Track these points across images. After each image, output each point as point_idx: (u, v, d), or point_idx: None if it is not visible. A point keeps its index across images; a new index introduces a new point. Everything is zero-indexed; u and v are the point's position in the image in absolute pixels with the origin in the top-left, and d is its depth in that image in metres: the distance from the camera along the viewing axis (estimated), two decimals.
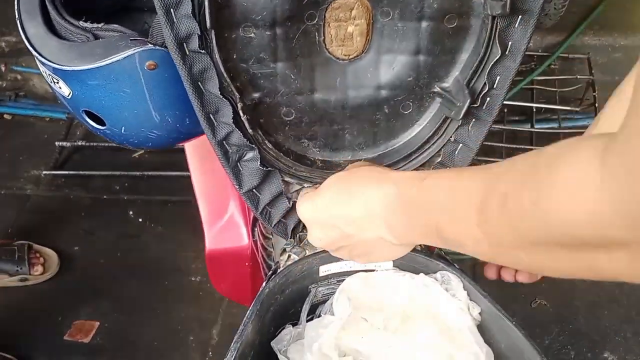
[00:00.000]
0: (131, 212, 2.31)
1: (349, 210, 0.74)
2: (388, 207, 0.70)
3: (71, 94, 0.91)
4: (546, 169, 0.48)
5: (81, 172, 2.41)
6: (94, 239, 2.22)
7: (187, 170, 1.33)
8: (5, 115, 2.66)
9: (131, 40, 0.87)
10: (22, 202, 2.33)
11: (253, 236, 1.33)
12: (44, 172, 2.42)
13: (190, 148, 1.29)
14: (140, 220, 2.29)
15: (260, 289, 0.91)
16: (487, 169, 0.59)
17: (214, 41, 0.79)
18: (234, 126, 0.84)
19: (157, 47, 0.85)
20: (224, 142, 0.86)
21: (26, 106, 2.67)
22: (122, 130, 0.94)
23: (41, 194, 2.38)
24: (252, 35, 0.82)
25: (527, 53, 0.86)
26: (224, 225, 1.38)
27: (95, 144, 2.43)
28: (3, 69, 2.69)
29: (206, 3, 0.74)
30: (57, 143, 2.48)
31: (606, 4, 2.34)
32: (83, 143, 2.46)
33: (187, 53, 0.78)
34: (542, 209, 0.47)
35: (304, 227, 0.99)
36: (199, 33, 0.77)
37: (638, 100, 0.38)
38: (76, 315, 1.99)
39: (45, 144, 2.53)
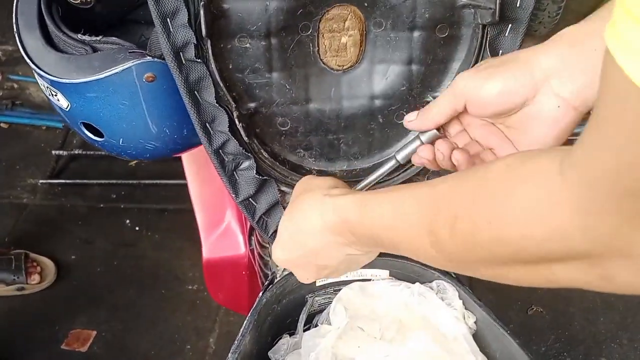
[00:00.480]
0: (128, 221, 2.31)
1: (310, 246, 0.73)
2: (340, 234, 0.69)
3: (69, 107, 0.91)
4: (498, 186, 0.47)
5: (78, 181, 2.42)
6: (90, 248, 2.22)
7: (184, 178, 1.34)
8: (1, 124, 2.67)
9: (129, 52, 0.88)
10: (19, 211, 2.33)
11: (250, 245, 1.33)
12: (41, 181, 2.43)
13: (187, 157, 1.30)
14: (136, 228, 2.29)
15: (258, 299, 0.92)
16: (430, 189, 0.57)
17: (210, 51, 0.80)
18: (230, 135, 0.85)
19: (155, 59, 0.86)
20: (220, 150, 0.87)
21: (23, 115, 2.68)
22: (120, 142, 0.94)
23: (38, 202, 2.38)
24: (248, 45, 0.82)
25: None
26: (221, 233, 1.39)
27: (91, 152, 2.44)
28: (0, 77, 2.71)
29: (202, 13, 0.75)
30: (53, 152, 2.48)
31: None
32: (80, 152, 2.47)
33: (184, 62, 0.79)
34: (496, 228, 0.47)
35: None
36: (195, 42, 0.78)
37: (598, 114, 0.38)
38: (73, 324, 1.99)
39: (42, 152, 2.54)
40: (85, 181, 2.41)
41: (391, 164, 0.82)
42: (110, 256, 2.20)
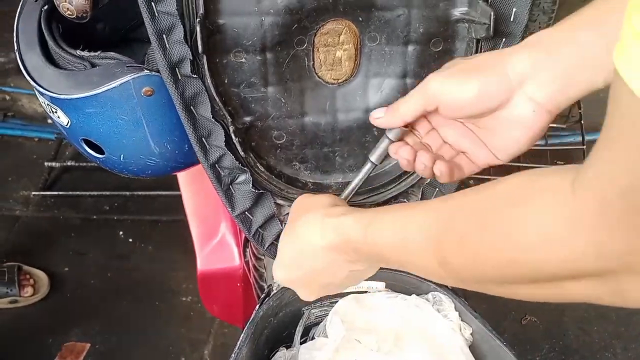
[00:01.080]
0: (121, 233, 2.31)
1: (312, 265, 0.73)
2: (343, 252, 0.69)
3: (70, 123, 0.92)
4: (509, 209, 0.47)
5: (71, 193, 2.41)
6: (84, 260, 2.22)
7: (177, 189, 1.34)
8: None
9: (127, 67, 0.88)
10: (12, 223, 2.33)
11: (245, 257, 1.34)
12: (33, 193, 2.42)
13: (182, 172, 1.30)
14: (130, 240, 2.29)
15: (254, 312, 0.92)
16: (436, 209, 0.57)
17: (206, 66, 0.80)
18: (226, 149, 0.85)
19: (153, 73, 0.86)
20: (216, 165, 0.87)
21: (15, 126, 2.67)
22: (121, 158, 0.95)
23: (30, 214, 2.38)
24: (243, 60, 0.83)
25: None
26: (215, 246, 1.39)
27: (84, 164, 2.44)
28: None
29: (198, 29, 0.76)
30: (46, 163, 2.48)
31: None
32: (72, 163, 2.46)
33: (180, 77, 0.80)
34: (509, 251, 0.47)
35: None
36: (191, 58, 0.79)
37: (608, 134, 0.39)
38: (66, 337, 1.98)
39: (34, 164, 2.53)
40: (78, 193, 2.41)
41: (368, 166, 0.82)
42: (104, 268, 2.19)
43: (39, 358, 1.92)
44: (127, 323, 2.03)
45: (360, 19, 0.84)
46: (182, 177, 1.35)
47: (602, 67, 0.60)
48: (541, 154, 2.27)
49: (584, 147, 2.47)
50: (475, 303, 0.97)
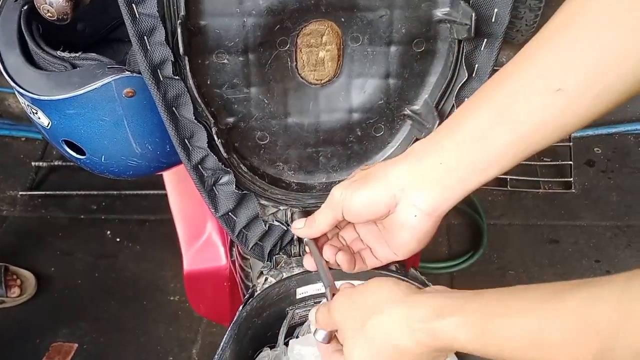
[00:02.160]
0: (109, 232, 2.31)
1: None
2: (440, 351, 0.63)
3: (50, 124, 0.91)
4: None
5: (58, 192, 2.41)
6: (71, 260, 2.22)
7: (164, 188, 1.34)
8: None
9: (108, 68, 0.88)
10: None
11: (231, 256, 1.34)
12: (20, 193, 2.42)
13: (167, 171, 1.30)
14: (117, 239, 2.29)
15: (238, 312, 0.92)
16: (580, 313, 0.49)
17: (188, 67, 0.80)
18: (209, 150, 0.85)
19: (135, 74, 0.86)
20: (199, 166, 0.87)
21: (1, 126, 2.67)
22: (102, 159, 0.94)
23: (18, 214, 2.38)
24: (225, 61, 0.83)
25: (498, 68, 0.89)
26: (201, 245, 1.39)
27: (71, 164, 2.40)
28: None
29: (179, 31, 0.75)
30: (33, 163, 2.47)
31: None
32: (59, 163, 2.46)
33: (161, 79, 0.79)
34: None
35: (281, 249, 1.00)
36: (173, 59, 0.78)
37: None
38: (54, 337, 1.98)
39: (21, 164, 2.53)
40: (65, 192, 2.41)
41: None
42: (91, 268, 2.19)
43: (27, 359, 1.92)
44: (115, 323, 2.04)
45: (343, 19, 0.84)
46: (168, 176, 1.35)
47: (470, 170, 0.68)
48: None
49: (571, 143, 2.49)
50: None
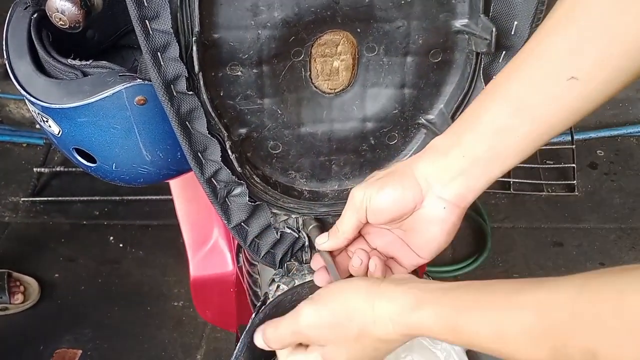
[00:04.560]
0: (111, 238, 2.30)
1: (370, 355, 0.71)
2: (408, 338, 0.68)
3: (61, 132, 0.91)
4: None
5: (60, 198, 2.41)
6: (74, 266, 2.21)
7: (167, 194, 1.33)
8: None
9: (120, 75, 0.87)
10: (1, 230, 2.32)
11: (238, 262, 1.33)
12: (23, 199, 2.41)
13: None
14: (120, 245, 2.29)
15: (251, 320, 0.91)
16: (541, 313, 0.52)
17: (202, 82, 0.79)
18: (222, 164, 0.84)
19: (146, 82, 0.85)
20: (212, 179, 0.86)
21: (3, 132, 2.66)
22: (114, 167, 0.94)
23: (20, 221, 2.37)
24: (239, 73, 0.82)
25: None
26: (208, 251, 1.38)
27: (73, 169, 2.43)
28: None
29: (194, 48, 0.75)
30: (35, 169, 2.47)
31: None
32: (61, 169, 2.45)
33: (175, 94, 0.79)
34: None
35: (292, 256, 1.00)
36: (187, 75, 0.78)
37: None
38: (58, 344, 1.98)
39: (23, 170, 2.52)
40: (67, 198, 2.40)
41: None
42: (95, 274, 2.19)
43: None
44: (118, 329, 2.03)
45: (359, 30, 0.84)
46: (174, 183, 1.34)
47: (491, 160, 0.70)
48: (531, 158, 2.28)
49: (573, 146, 2.49)
50: None
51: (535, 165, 2.53)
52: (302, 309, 0.75)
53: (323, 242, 0.82)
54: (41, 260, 2.21)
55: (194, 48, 0.75)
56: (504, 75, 0.69)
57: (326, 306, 0.73)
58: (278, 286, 0.98)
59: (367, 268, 0.79)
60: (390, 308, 0.67)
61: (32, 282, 2.10)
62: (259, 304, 0.98)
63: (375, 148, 0.94)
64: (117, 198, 2.38)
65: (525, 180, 2.49)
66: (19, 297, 2.03)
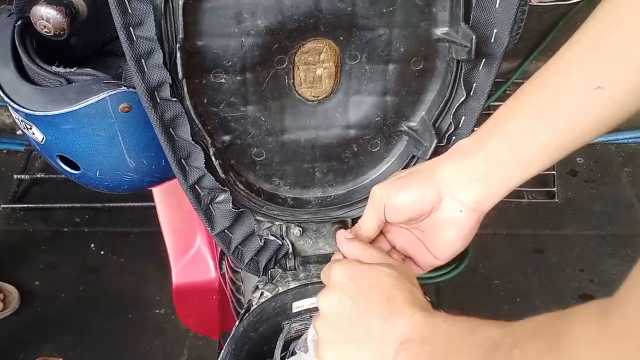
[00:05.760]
0: (92, 245, 2.29)
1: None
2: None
3: (45, 140, 0.91)
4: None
5: (41, 205, 2.39)
6: (55, 273, 2.20)
7: (149, 201, 1.33)
8: None
9: (104, 83, 0.88)
10: None
11: (221, 269, 1.33)
12: (2, 206, 2.39)
13: None
14: (102, 252, 2.27)
15: (234, 328, 0.92)
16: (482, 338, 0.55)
17: (185, 89, 0.80)
18: (205, 170, 0.85)
19: (131, 90, 0.86)
20: (196, 185, 0.87)
21: None
22: (97, 174, 0.94)
23: (0, 228, 2.35)
24: (223, 80, 0.83)
25: (500, 80, 0.90)
26: (190, 258, 1.38)
27: (54, 176, 2.41)
28: None
29: (178, 55, 0.75)
30: (15, 176, 2.45)
31: (558, 31, 2.42)
32: (42, 175, 2.44)
33: (159, 101, 0.79)
34: None
35: (276, 263, 1.00)
36: (170, 82, 0.78)
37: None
38: (39, 352, 1.95)
39: (3, 176, 2.51)
40: (48, 205, 2.39)
41: None
42: (75, 281, 2.17)
43: None
44: (100, 336, 2.02)
45: (342, 38, 0.84)
46: (157, 189, 1.34)
47: (513, 167, 0.70)
48: None
49: None
50: None
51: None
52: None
53: (347, 237, 0.79)
54: (21, 268, 2.19)
55: (178, 55, 0.75)
56: (531, 83, 0.70)
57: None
58: (262, 293, 0.98)
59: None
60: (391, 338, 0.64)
61: (12, 290, 2.09)
62: (242, 312, 0.98)
63: (358, 155, 0.95)
64: (99, 205, 2.37)
65: None
66: None
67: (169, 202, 1.34)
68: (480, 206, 0.72)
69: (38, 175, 2.44)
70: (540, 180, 2.55)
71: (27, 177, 2.45)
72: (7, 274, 2.14)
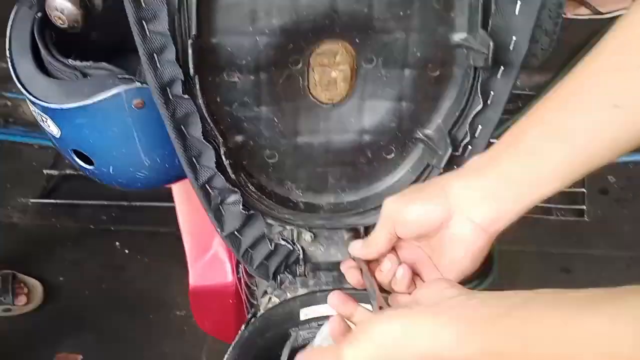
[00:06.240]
0: (118, 243, 2.30)
1: None
2: None
3: (60, 133, 0.91)
4: None
5: (69, 201, 2.40)
6: (79, 270, 2.21)
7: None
8: None
9: (119, 78, 0.88)
10: (9, 231, 2.32)
11: (237, 273, 1.32)
12: (32, 201, 2.41)
13: (176, 183, 1.30)
14: (127, 251, 2.28)
15: (239, 332, 0.91)
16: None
17: (198, 86, 0.79)
18: (216, 170, 0.84)
19: (145, 86, 0.86)
20: (207, 185, 0.86)
21: (15, 133, 2.66)
22: (111, 170, 0.94)
23: (28, 222, 2.37)
24: (236, 79, 0.82)
25: (514, 92, 0.88)
26: (208, 261, 1.38)
27: (83, 172, 2.43)
28: None
29: (190, 51, 0.75)
30: (45, 171, 2.47)
31: (592, 45, 2.38)
32: (71, 172, 2.46)
33: (171, 98, 0.79)
34: None
35: (286, 268, 0.99)
36: (183, 78, 0.78)
37: None
38: (59, 347, 1.97)
39: (34, 171, 2.53)
40: (76, 202, 2.40)
41: None
42: (99, 279, 2.18)
43: None
44: (120, 335, 2.02)
45: (357, 40, 0.83)
46: (177, 189, 1.34)
47: (528, 186, 0.67)
48: None
49: None
50: None
51: None
52: (343, 351, 0.63)
53: (357, 247, 0.78)
54: (47, 263, 2.21)
55: (190, 51, 0.75)
56: (546, 99, 0.68)
57: (365, 343, 0.63)
58: (270, 299, 0.97)
59: (394, 274, 0.75)
60: (430, 345, 0.58)
61: (36, 285, 2.10)
62: (249, 317, 0.97)
63: (372, 161, 0.94)
64: (126, 203, 2.38)
65: None
66: (22, 299, 2.03)
67: (188, 203, 1.34)
68: (491, 226, 0.70)
69: (67, 172, 2.46)
70: (569, 197, 2.50)
71: (56, 173, 2.47)
72: (32, 269, 2.15)
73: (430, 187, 0.73)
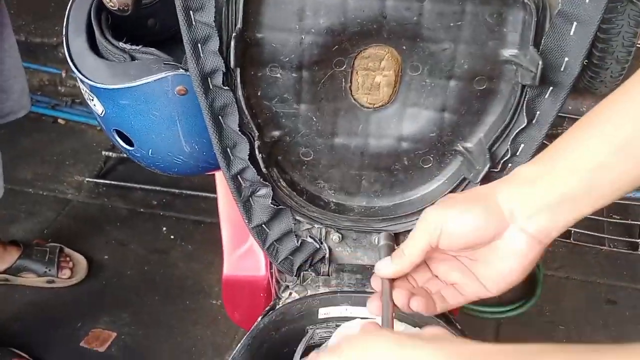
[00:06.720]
0: (164, 228, 2.34)
1: None
2: None
3: (104, 112, 0.93)
4: None
5: (122, 183, 2.46)
6: (124, 250, 2.25)
7: None
8: (59, 120, 2.75)
9: (164, 64, 0.89)
10: (62, 206, 2.39)
11: (271, 268, 1.33)
12: (87, 179, 2.48)
13: (220, 173, 1.31)
14: (172, 237, 2.32)
15: (255, 323, 0.91)
16: None
17: (239, 79, 0.80)
18: (249, 162, 0.85)
19: (188, 73, 0.87)
20: (238, 176, 0.87)
21: (80, 113, 2.75)
22: (150, 153, 0.96)
23: (81, 199, 2.43)
24: (278, 75, 0.83)
25: (565, 115, 0.86)
26: (244, 252, 1.38)
27: None
28: (63, 74, 2.78)
29: (232, 44, 0.75)
30: (103, 152, 2.54)
31: None
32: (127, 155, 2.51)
33: (211, 87, 0.80)
34: None
35: (310, 265, 0.99)
36: (224, 70, 0.78)
37: None
38: (95, 323, 2.01)
39: (93, 151, 2.60)
40: (129, 184, 2.45)
41: None
42: (142, 261, 2.22)
43: (66, 340, 1.96)
44: (155, 318, 2.05)
45: (404, 47, 0.83)
46: (220, 180, 1.36)
47: (587, 200, 0.65)
48: None
49: None
50: None
51: (601, 218, 2.44)
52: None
53: (385, 268, 0.73)
54: (94, 241, 2.26)
55: (232, 44, 0.76)
56: (601, 111, 0.66)
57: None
58: (290, 294, 0.97)
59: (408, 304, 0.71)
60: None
61: (81, 260, 2.15)
62: (267, 309, 0.98)
63: (408, 169, 0.93)
64: (176, 191, 2.42)
65: (587, 232, 2.40)
66: (66, 272, 2.08)
67: (229, 195, 1.35)
68: (545, 237, 0.68)
69: (124, 155, 2.52)
70: (625, 229, 2.44)
71: (114, 155, 2.53)
72: (79, 244, 2.21)
73: (478, 197, 0.70)
